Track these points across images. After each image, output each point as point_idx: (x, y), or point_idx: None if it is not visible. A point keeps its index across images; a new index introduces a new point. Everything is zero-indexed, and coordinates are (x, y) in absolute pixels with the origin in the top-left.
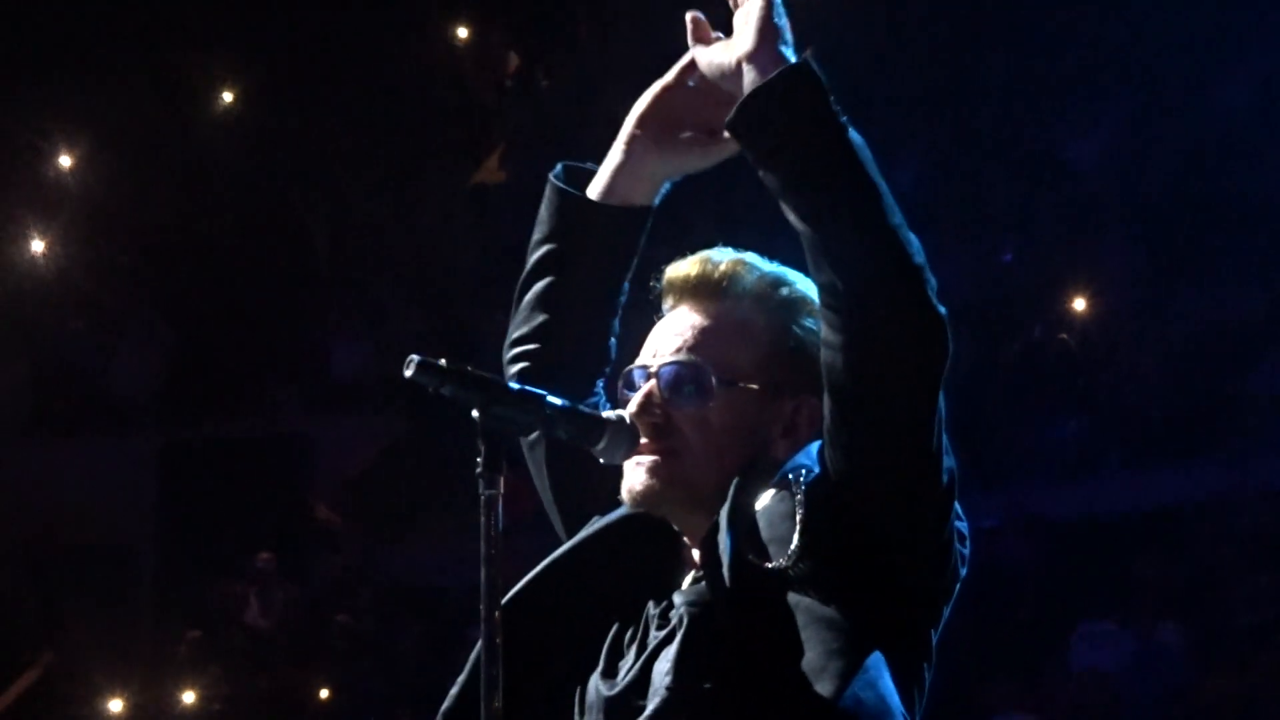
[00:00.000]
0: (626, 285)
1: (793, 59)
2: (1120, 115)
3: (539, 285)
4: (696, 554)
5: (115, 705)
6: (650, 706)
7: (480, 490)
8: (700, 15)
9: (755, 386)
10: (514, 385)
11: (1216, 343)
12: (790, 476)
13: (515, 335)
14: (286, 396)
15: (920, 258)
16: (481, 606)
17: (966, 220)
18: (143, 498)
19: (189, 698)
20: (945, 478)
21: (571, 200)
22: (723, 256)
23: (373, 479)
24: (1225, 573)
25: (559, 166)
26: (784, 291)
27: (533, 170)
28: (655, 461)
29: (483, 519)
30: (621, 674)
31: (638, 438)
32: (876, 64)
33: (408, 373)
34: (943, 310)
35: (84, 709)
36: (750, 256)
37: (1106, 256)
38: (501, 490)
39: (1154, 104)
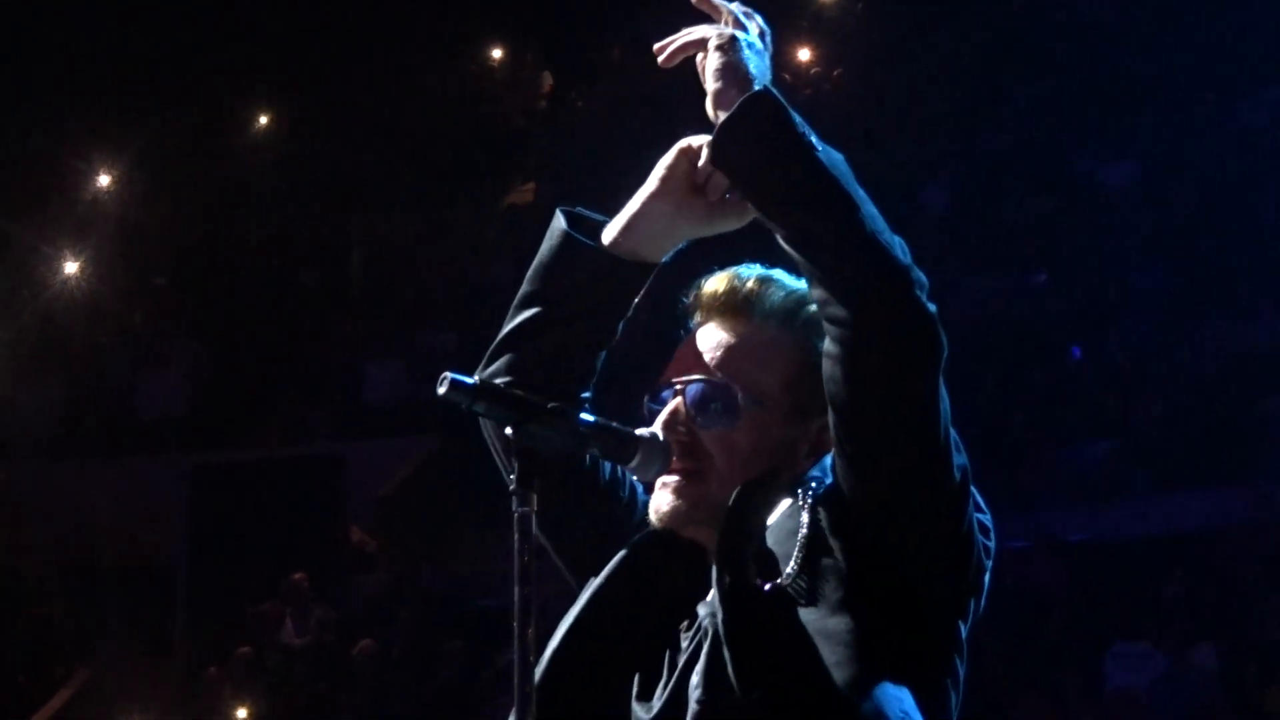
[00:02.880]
0: (620, 328)
1: (756, 89)
2: (1149, 141)
3: (528, 328)
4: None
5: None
6: None
7: (514, 508)
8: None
9: (781, 407)
10: (546, 402)
11: (1244, 366)
12: (800, 490)
13: (497, 382)
14: (319, 417)
15: (906, 259)
16: (515, 624)
17: (998, 243)
18: (175, 518)
19: (225, 715)
20: (957, 475)
21: (578, 247)
22: (750, 274)
23: (406, 499)
24: (1255, 593)
25: (559, 214)
26: (810, 310)
27: (565, 192)
28: (680, 483)
29: (516, 536)
30: (657, 695)
31: (670, 455)
32: (908, 89)
33: (440, 390)
34: (932, 308)
35: None
36: (778, 274)
37: (1135, 280)
38: (535, 508)
39: (1182, 130)
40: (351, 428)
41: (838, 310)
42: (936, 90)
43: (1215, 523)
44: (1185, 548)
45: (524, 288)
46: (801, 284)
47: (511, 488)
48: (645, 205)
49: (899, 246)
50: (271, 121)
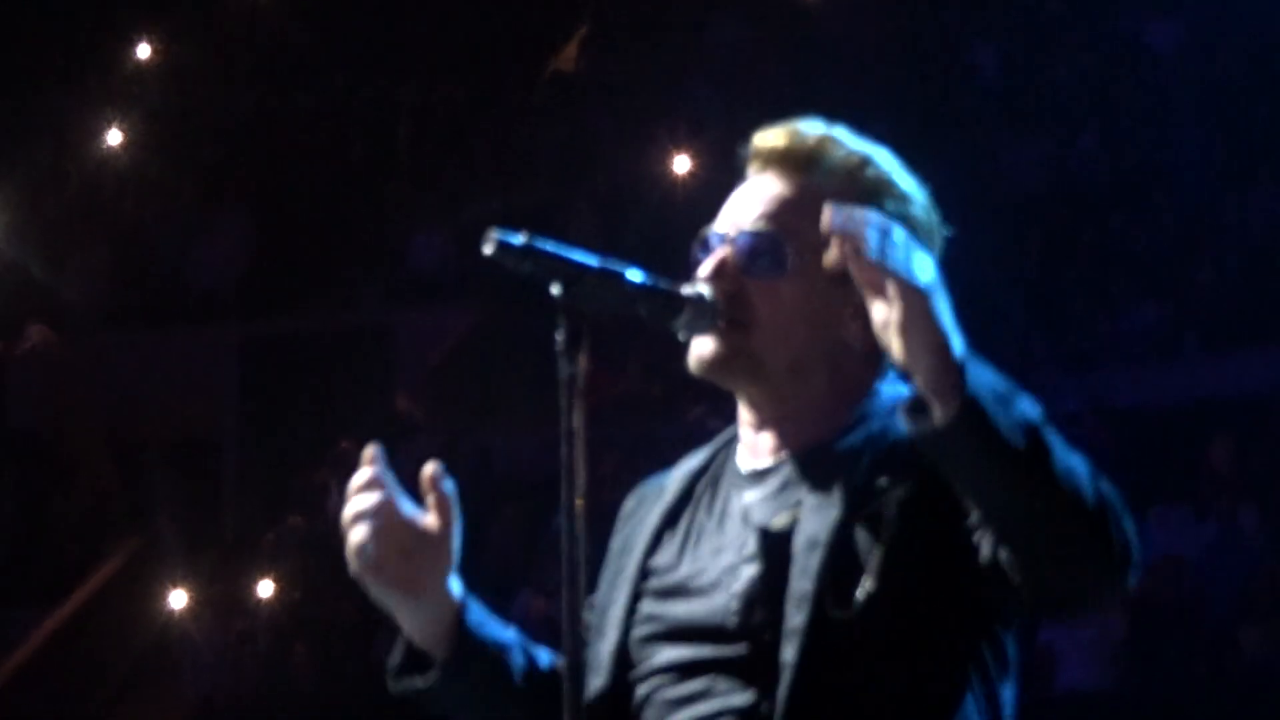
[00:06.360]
0: (500, 692)
1: (956, 353)
2: (1195, 1)
3: None
4: (771, 440)
5: (197, 592)
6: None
7: (561, 369)
8: None
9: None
10: (594, 262)
11: None
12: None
13: None
14: (367, 287)
15: (1100, 509)
16: (563, 487)
17: (1045, 105)
18: (224, 390)
19: (270, 586)
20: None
21: (411, 687)
22: (812, 130)
23: (453, 367)
24: None
25: (388, 665)
26: (869, 172)
27: (612, 58)
28: (723, 331)
29: (564, 398)
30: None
31: (718, 314)
32: None
33: (487, 250)
34: (1134, 548)
35: (167, 595)
36: (839, 132)
37: (1185, 141)
38: (583, 368)
39: None
40: (399, 297)
41: (1028, 561)
42: None
43: (1265, 386)
44: (1235, 411)
45: None
46: (863, 145)
47: (559, 348)
48: (397, 617)
49: (1091, 497)
50: None
